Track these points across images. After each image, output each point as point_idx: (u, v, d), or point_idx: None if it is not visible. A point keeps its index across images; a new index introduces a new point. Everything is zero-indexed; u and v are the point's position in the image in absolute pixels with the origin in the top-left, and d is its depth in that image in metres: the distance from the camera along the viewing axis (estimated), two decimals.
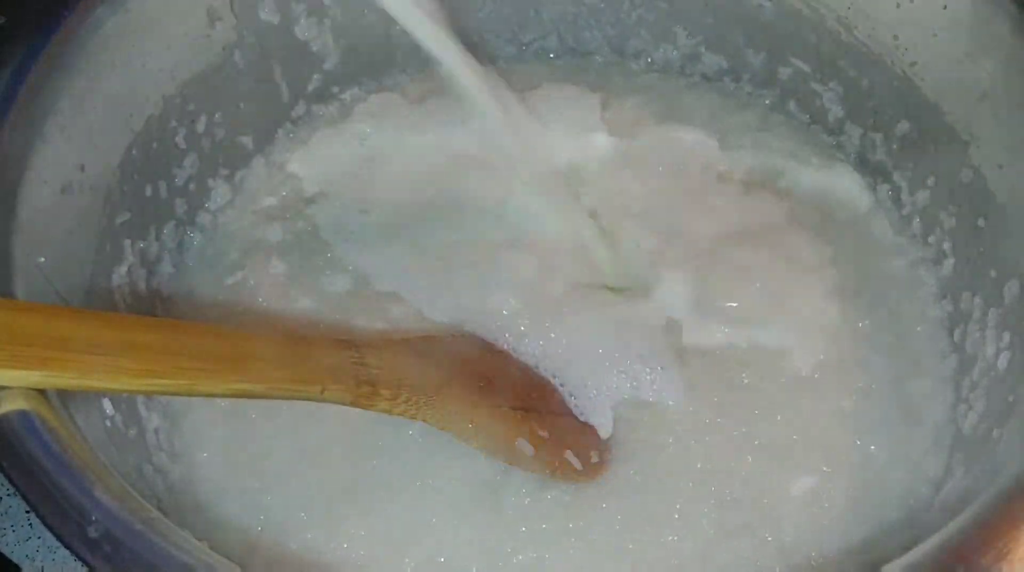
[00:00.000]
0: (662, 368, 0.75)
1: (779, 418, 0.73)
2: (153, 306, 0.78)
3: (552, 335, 0.77)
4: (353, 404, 0.65)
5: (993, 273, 0.72)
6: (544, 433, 0.71)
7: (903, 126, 0.81)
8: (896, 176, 0.83)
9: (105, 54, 0.70)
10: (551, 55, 0.97)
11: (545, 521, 0.69)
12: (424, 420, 0.68)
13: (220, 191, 0.86)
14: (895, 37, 0.77)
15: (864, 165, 0.86)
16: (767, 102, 0.92)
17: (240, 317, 0.79)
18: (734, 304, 0.78)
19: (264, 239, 0.84)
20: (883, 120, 0.83)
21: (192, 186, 0.83)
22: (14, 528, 0.81)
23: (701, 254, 0.81)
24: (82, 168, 0.69)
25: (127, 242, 0.75)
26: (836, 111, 0.87)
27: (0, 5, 0.67)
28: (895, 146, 0.83)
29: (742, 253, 0.81)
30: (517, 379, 0.74)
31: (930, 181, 0.79)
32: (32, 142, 0.64)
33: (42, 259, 0.63)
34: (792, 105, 0.91)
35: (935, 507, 0.67)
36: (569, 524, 0.69)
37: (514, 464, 0.70)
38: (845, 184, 0.86)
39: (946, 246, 0.78)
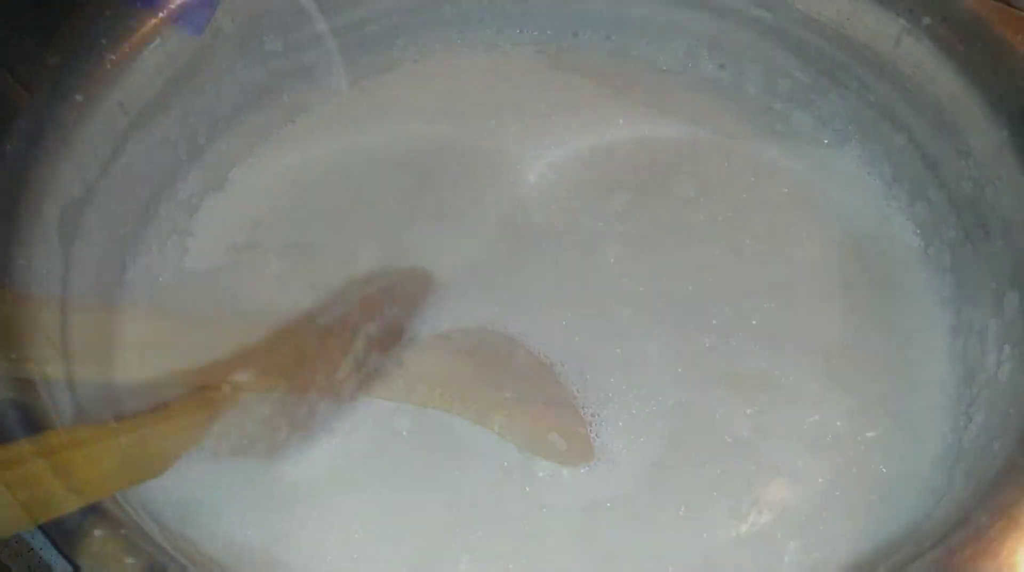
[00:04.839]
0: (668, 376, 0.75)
1: (780, 430, 0.72)
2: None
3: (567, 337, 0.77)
4: (390, 398, 0.67)
5: (993, 285, 0.72)
6: (581, 429, 0.71)
7: (902, 137, 0.81)
8: (896, 188, 0.83)
9: (102, 65, 0.71)
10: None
11: (545, 515, 0.69)
12: (459, 413, 0.69)
13: (218, 198, 0.86)
14: (895, 47, 0.78)
15: (864, 177, 0.86)
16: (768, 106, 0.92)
17: (239, 315, 0.79)
18: (736, 315, 0.78)
19: (257, 240, 0.83)
20: (883, 132, 0.83)
21: (194, 199, 0.84)
22: None
23: (696, 270, 0.81)
24: (84, 181, 0.69)
25: (128, 256, 0.76)
26: (836, 123, 0.87)
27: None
28: (895, 158, 0.83)
29: (740, 265, 0.81)
30: (549, 377, 0.74)
31: (930, 192, 0.79)
32: (35, 155, 0.65)
33: (44, 272, 0.63)
34: (793, 116, 0.90)
35: (935, 518, 0.67)
36: (572, 517, 0.68)
37: (547, 458, 0.70)
38: (846, 197, 0.85)
39: (946, 258, 0.78)
